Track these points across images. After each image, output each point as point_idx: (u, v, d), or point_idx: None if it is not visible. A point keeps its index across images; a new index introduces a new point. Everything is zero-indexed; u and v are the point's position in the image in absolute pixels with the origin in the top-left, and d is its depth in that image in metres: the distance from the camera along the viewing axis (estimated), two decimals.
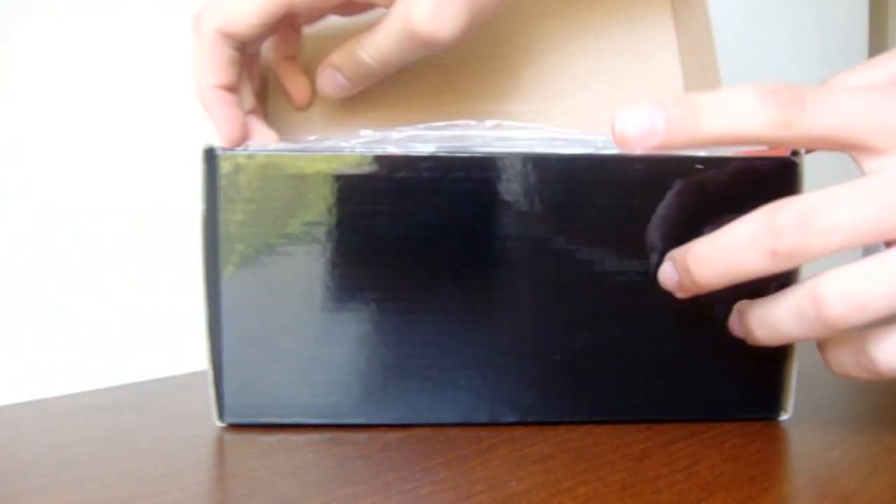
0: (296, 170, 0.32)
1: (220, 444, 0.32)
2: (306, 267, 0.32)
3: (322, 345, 0.32)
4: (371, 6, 0.35)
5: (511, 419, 0.33)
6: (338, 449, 0.30)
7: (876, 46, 1.03)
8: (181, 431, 0.33)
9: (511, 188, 0.32)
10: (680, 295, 0.30)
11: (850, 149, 0.28)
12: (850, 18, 1.01)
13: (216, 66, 0.34)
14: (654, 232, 0.32)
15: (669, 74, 0.40)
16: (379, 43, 0.34)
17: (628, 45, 0.39)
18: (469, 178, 0.32)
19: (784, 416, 0.34)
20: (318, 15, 0.36)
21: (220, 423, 0.33)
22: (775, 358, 0.33)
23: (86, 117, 0.40)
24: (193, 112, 0.44)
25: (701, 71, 0.41)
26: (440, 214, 0.32)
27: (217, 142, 0.34)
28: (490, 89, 0.39)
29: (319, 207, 0.32)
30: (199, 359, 0.43)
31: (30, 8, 0.39)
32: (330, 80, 0.36)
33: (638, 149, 0.28)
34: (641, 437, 0.32)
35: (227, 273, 0.32)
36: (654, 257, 0.32)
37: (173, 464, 0.29)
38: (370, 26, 0.34)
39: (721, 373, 0.33)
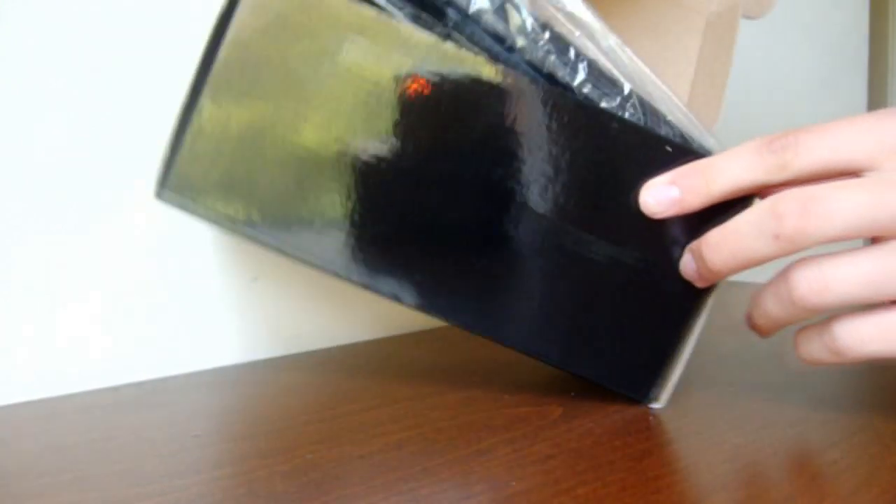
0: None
1: (220, 445, 0.32)
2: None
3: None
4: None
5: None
6: (337, 449, 0.30)
7: (876, 46, 1.03)
8: (181, 431, 0.33)
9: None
10: (700, 284, 0.33)
11: (851, 170, 0.30)
12: (850, 18, 1.01)
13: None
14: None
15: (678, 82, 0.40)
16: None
17: (651, 53, 0.40)
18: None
19: (656, 405, 0.35)
20: None
21: (157, 198, 0.34)
22: (664, 348, 0.34)
23: (97, 113, 0.40)
24: None
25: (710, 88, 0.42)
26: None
27: None
28: None
29: None
30: (199, 359, 0.43)
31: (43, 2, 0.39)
32: None
33: (664, 216, 0.32)
34: (641, 437, 0.32)
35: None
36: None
37: (173, 464, 0.29)
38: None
39: (615, 342, 0.34)
